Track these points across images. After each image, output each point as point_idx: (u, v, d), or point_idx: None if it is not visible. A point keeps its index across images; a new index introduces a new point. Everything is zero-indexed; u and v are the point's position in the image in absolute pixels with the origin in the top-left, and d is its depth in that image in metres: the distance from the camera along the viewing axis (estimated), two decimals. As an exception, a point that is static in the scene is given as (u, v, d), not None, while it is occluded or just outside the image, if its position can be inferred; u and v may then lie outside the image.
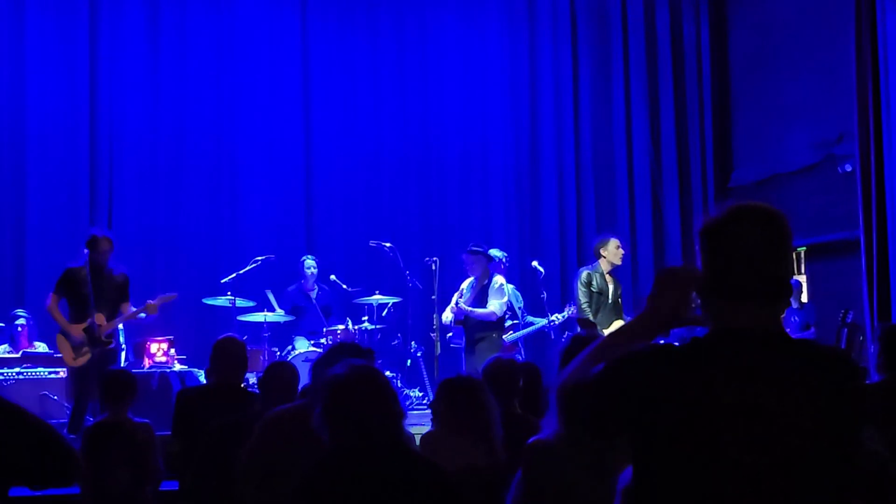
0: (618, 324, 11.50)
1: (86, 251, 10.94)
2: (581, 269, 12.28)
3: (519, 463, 4.65)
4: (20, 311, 12.69)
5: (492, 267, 12.37)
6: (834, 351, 2.91)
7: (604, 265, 11.95)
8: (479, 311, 11.98)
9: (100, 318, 10.88)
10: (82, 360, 10.77)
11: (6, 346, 12.36)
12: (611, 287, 11.88)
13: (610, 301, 11.82)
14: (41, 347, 12.37)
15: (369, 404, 4.16)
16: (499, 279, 12.20)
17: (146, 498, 6.92)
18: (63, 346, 10.91)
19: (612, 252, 11.94)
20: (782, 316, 2.89)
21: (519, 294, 12.92)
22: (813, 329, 13.81)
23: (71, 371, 11.01)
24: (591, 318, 11.73)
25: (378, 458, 4.09)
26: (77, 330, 10.79)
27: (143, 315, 11.27)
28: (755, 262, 2.78)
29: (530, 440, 4.62)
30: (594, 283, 11.84)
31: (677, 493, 2.71)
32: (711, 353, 2.74)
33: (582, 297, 11.88)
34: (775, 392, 2.67)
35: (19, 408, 3.13)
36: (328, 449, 4.20)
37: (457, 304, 12.22)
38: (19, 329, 12.43)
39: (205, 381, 9.38)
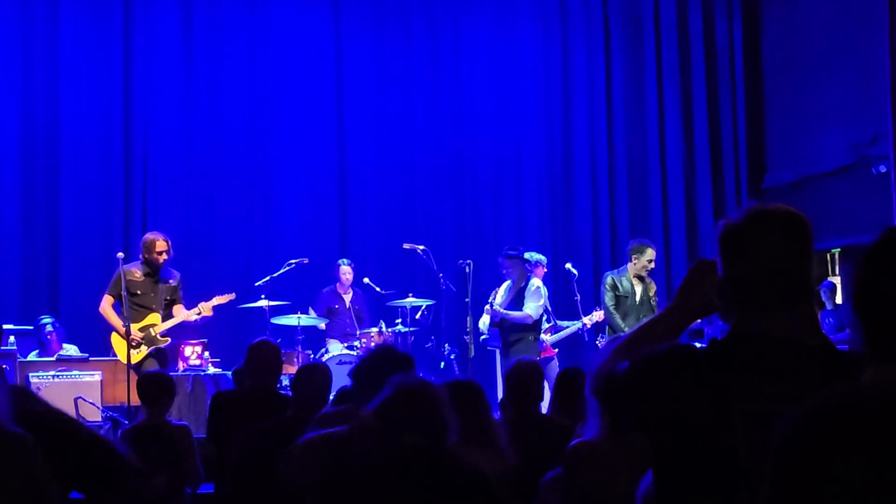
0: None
1: (142, 253, 11.27)
2: (606, 274, 12.31)
3: (536, 466, 4.64)
4: (46, 318, 12.74)
5: (531, 269, 12.41)
6: (856, 357, 2.89)
7: (631, 269, 11.98)
8: (515, 313, 12.01)
9: (154, 319, 11.15)
10: (137, 358, 10.98)
11: (36, 351, 12.43)
12: (638, 289, 11.91)
13: (637, 303, 11.83)
14: (71, 350, 12.44)
15: (418, 417, 4.17)
16: (535, 281, 12.23)
17: (184, 501, 6.95)
18: (118, 345, 11.16)
19: (642, 262, 11.97)
20: (810, 320, 2.85)
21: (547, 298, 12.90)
22: (848, 331, 13.75)
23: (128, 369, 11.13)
24: (617, 321, 11.79)
25: (419, 466, 4.10)
26: (131, 330, 10.96)
27: (196, 317, 11.53)
28: (775, 267, 2.75)
29: (573, 443, 4.62)
30: (619, 286, 11.88)
31: (690, 495, 2.70)
32: (729, 358, 2.72)
33: (608, 301, 11.95)
34: (790, 400, 2.64)
35: (72, 420, 3.18)
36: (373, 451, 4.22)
37: (491, 305, 12.24)
38: (49, 336, 12.50)
39: (233, 384, 9.41)
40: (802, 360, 2.70)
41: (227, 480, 6.90)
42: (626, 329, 11.57)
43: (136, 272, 11.27)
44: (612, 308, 11.91)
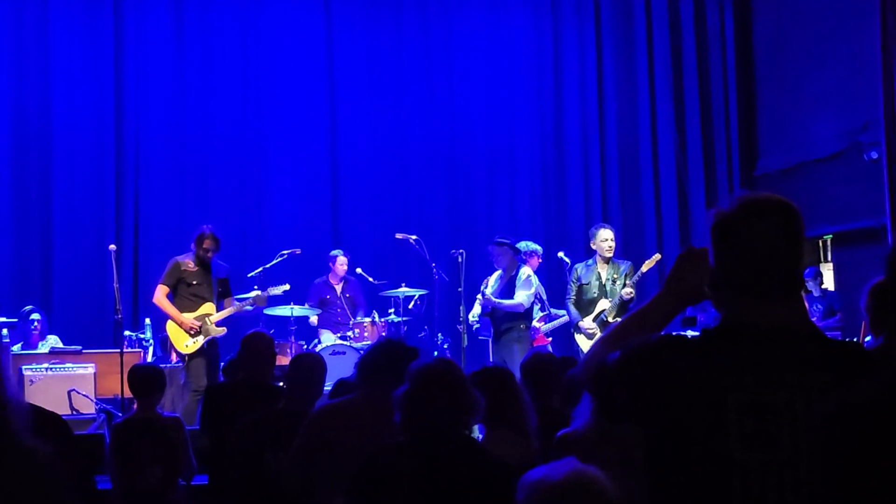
0: (602, 305, 11.74)
1: (192, 246, 11.43)
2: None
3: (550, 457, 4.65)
4: (29, 308, 12.69)
5: (526, 258, 12.43)
6: (848, 346, 2.89)
7: (599, 256, 11.99)
8: (507, 302, 12.00)
9: (209, 308, 11.39)
10: (195, 347, 11.27)
11: (20, 344, 12.38)
12: (603, 272, 11.86)
13: (599, 286, 11.80)
14: (52, 340, 12.42)
15: (446, 397, 4.19)
16: (526, 270, 12.21)
17: (177, 494, 6.94)
18: (175, 333, 11.37)
19: (597, 244, 11.99)
20: (800, 309, 2.86)
21: (542, 286, 12.90)
22: (839, 315, 13.79)
23: (184, 359, 11.43)
24: (572, 310, 11.95)
25: (443, 451, 4.12)
26: (188, 318, 11.26)
27: (250, 307, 11.88)
28: (766, 257, 2.76)
29: (559, 433, 4.63)
30: (580, 276, 11.92)
31: (684, 486, 2.71)
32: (721, 347, 2.73)
33: (570, 292, 12.01)
34: (784, 389, 2.65)
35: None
36: (397, 436, 4.26)
37: (483, 294, 12.23)
38: (34, 328, 12.45)
39: (223, 377, 9.42)
40: (795, 349, 2.71)
41: (221, 471, 6.89)
42: (582, 317, 11.76)
43: (190, 263, 11.48)
44: (570, 298, 11.96)
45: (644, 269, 11.90)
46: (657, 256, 12.26)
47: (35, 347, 12.21)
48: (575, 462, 2.94)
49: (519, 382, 5.95)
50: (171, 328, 11.43)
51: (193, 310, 11.37)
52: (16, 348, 12.25)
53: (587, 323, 11.74)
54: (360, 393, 5.55)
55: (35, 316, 12.57)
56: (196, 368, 11.26)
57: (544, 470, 2.97)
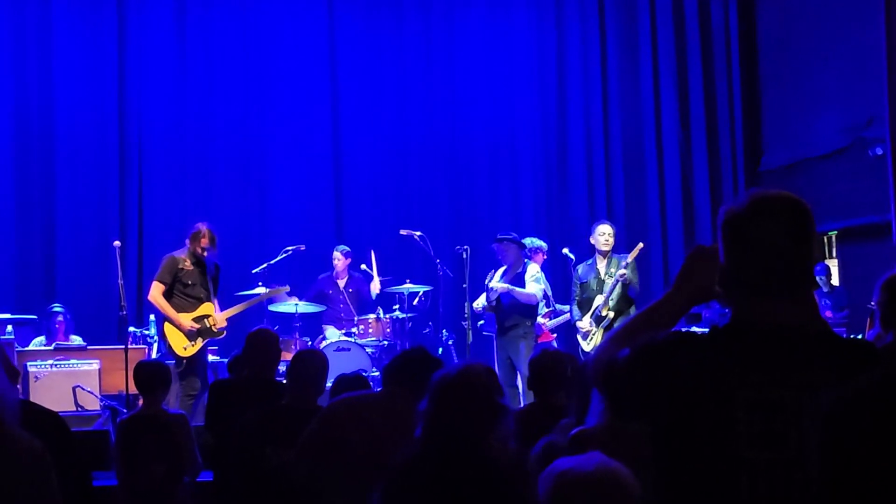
0: (597, 301, 11.72)
1: (188, 243, 11.02)
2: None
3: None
4: (57, 307, 12.72)
5: (530, 255, 12.39)
6: (858, 344, 2.88)
7: (597, 252, 11.98)
8: (521, 291, 11.83)
9: (208, 309, 11.05)
10: (193, 351, 10.89)
11: (42, 338, 12.42)
12: (601, 268, 11.82)
13: (598, 281, 11.78)
14: (76, 340, 12.42)
15: (458, 409, 4.18)
16: (534, 268, 12.15)
17: (182, 490, 6.94)
18: (173, 335, 10.92)
19: (595, 238, 11.95)
20: (811, 307, 2.84)
21: (547, 282, 12.89)
22: (847, 311, 13.79)
23: (179, 361, 10.86)
24: (575, 309, 11.93)
25: (452, 463, 4.11)
26: (187, 320, 10.88)
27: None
28: (777, 255, 2.75)
29: (573, 431, 4.62)
30: (578, 273, 11.90)
31: (692, 484, 2.71)
32: (730, 345, 2.73)
33: (574, 291, 11.98)
34: (792, 388, 2.65)
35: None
36: (413, 449, 4.25)
37: (489, 289, 12.11)
38: (57, 325, 12.47)
39: (228, 373, 9.38)
40: (804, 348, 2.70)
41: (225, 468, 6.89)
42: (582, 316, 11.78)
43: (187, 261, 11.00)
44: (574, 299, 11.95)
45: (629, 258, 11.85)
46: (640, 245, 12.24)
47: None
48: (601, 455, 2.93)
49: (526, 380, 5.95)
50: (168, 330, 10.95)
51: (191, 311, 10.95)
52: (38, 341, 12.30)
53: (583, 323, 11.73)
54: (380, 393, 5.59)
55: (58, 308, 12.63)
56: (191, 372, 10.81)
57: (571, 462, 2.96)
